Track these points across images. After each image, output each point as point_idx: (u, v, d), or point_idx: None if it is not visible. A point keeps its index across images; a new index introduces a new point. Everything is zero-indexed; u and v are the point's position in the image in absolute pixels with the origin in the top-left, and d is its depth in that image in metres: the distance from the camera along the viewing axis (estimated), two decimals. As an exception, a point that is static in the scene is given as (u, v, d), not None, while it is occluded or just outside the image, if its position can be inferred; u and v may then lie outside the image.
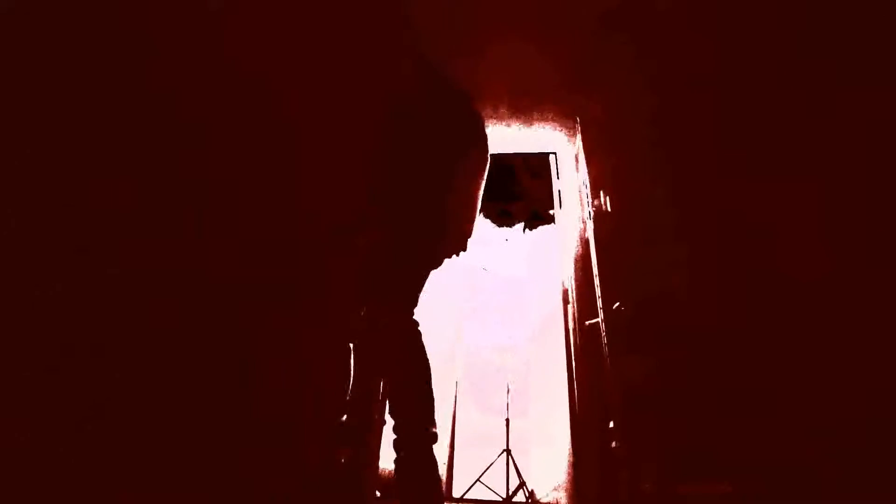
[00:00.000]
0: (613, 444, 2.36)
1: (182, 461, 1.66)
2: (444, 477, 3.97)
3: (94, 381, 1.63)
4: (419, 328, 1.56)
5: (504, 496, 3.54)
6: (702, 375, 2.04)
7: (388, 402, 1.49)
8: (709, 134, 2.50)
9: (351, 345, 1.61)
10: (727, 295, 2.11)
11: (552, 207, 3.42)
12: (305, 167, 2.31)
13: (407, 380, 1.48)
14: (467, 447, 3.90)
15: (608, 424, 2.44)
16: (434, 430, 1.44)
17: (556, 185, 3.31)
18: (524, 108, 3.22)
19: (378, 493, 2.31)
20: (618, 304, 2.48)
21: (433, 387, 1.49)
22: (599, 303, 2.49)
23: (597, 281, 2.54)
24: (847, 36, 2.11)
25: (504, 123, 3.31)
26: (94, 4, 1.89)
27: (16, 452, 1.39)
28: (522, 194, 5.13)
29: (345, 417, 1.56)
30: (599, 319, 2.47)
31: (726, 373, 2.00)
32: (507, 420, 3.87)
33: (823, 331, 1.84)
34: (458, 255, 1.78)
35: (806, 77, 2.18)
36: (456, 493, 3.68)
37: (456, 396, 4.34)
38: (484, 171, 1.81)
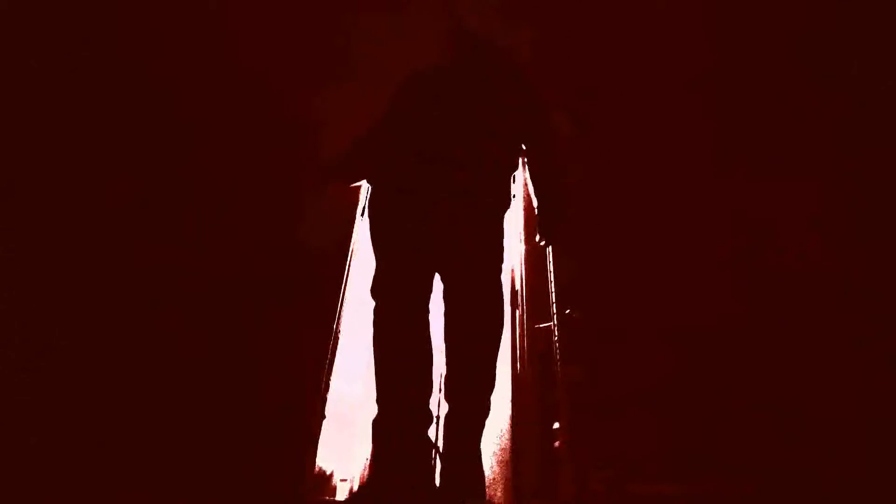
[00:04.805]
0: (556, 443, 2.46)
1: (182, 461, 1.66)
2: (365, 473, 3.86)
3: (94, 380, 1.58)
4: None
5: (429, 492, 3.51)
6: (685, 376, 2.16)
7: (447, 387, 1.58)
8: (694, 134, 2.60)
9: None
10: (714, 295, 2.24)
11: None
12: (305, 167, 2.32)
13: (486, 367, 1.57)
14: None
15: (551, 425, 2.54)
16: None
17: (512, 187, 3.35)
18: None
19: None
20: (569, 310, 2.59)
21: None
22: (553, 308, 2.57)
23: (552, 287, 2.62)
24: (847, 37, 2.28)
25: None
26: (93, 4, 1.85)
27: (17, 452, 1.35)
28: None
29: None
30: (552, 324, 2.56)
31: (688, 376, 2.14)
32: (437, 417, 3.85)
33: (823, 330, 1.95)
34: None
35: (806, 77, 2.33)
36: (379, 490, 3.59)
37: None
38: None
